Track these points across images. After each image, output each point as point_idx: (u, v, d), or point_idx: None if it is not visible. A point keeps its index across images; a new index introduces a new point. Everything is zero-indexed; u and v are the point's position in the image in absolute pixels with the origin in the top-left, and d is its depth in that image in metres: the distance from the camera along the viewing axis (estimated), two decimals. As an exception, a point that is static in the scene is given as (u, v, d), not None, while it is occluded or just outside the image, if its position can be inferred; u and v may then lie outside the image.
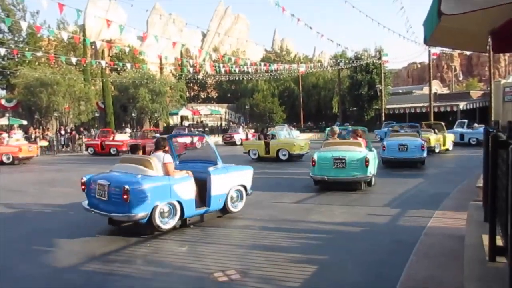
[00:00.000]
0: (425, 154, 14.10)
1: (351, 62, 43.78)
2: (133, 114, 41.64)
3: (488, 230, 3.14)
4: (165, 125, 45.93)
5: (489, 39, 3.93)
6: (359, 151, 9.88)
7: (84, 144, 27.29)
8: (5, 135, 21.15)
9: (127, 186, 5.92)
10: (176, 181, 6.50)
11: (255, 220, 7.23)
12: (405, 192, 9.63)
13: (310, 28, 20.27)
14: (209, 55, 30.41)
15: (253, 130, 37.12)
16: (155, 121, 45.33)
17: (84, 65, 38.44)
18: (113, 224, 6.72)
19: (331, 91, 53.97)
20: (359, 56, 44.31)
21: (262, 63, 38.64)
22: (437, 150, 18.84)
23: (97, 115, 37.04)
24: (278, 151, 17.58)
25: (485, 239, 3.25)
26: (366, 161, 9.51)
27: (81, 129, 35.09)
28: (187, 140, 19.39)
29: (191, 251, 5.53)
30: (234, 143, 31.52)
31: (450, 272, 4.04)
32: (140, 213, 6.03)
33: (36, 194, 10.78)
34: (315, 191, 9.88)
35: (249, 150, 18.80)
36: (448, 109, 41.69)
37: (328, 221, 6.97)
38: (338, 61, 46.03)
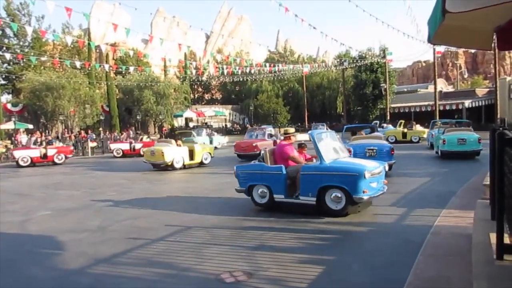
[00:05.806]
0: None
1: (355, 61, 43.71)
2: (138, 117, 41.78)
3: (495, 228, 3.12)
4: (169, 127, 46.11)
5: (494, 37, 3.90)
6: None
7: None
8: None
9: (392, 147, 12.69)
10: None
11: (260, 221, 7.23)
12: (411, 191, 9.59)
13: (314, 28, 20.28)
14: (213, 56, 30.44)
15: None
16: (160, 123, 45.46)
17: (89, 68, 38.69)
18: None
19: (335, 91, 53.87)
20: (363, 55, 44.20)
21: (267, 64, 38.64)
22: None
23: (102, 118, 37.16)
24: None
25: (493, 237, 3.22)
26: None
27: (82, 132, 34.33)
28: None
29: (197, 252, 5.53)
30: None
31: (457, 271, 4.01)
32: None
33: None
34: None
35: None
36: (454, 107, 41.48)
37: (335, 221, 6.95)
38: (342, 60, 45.96)
